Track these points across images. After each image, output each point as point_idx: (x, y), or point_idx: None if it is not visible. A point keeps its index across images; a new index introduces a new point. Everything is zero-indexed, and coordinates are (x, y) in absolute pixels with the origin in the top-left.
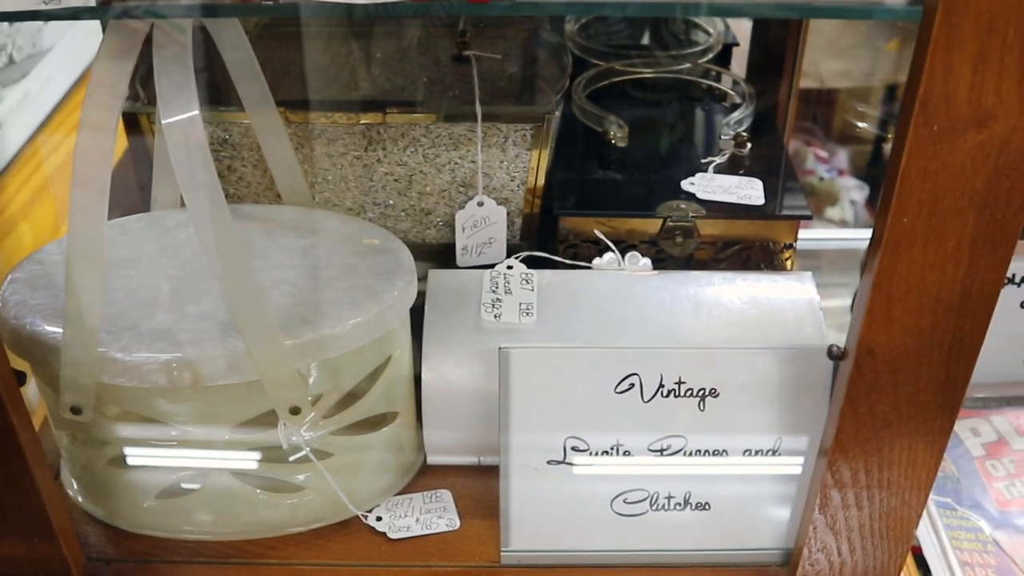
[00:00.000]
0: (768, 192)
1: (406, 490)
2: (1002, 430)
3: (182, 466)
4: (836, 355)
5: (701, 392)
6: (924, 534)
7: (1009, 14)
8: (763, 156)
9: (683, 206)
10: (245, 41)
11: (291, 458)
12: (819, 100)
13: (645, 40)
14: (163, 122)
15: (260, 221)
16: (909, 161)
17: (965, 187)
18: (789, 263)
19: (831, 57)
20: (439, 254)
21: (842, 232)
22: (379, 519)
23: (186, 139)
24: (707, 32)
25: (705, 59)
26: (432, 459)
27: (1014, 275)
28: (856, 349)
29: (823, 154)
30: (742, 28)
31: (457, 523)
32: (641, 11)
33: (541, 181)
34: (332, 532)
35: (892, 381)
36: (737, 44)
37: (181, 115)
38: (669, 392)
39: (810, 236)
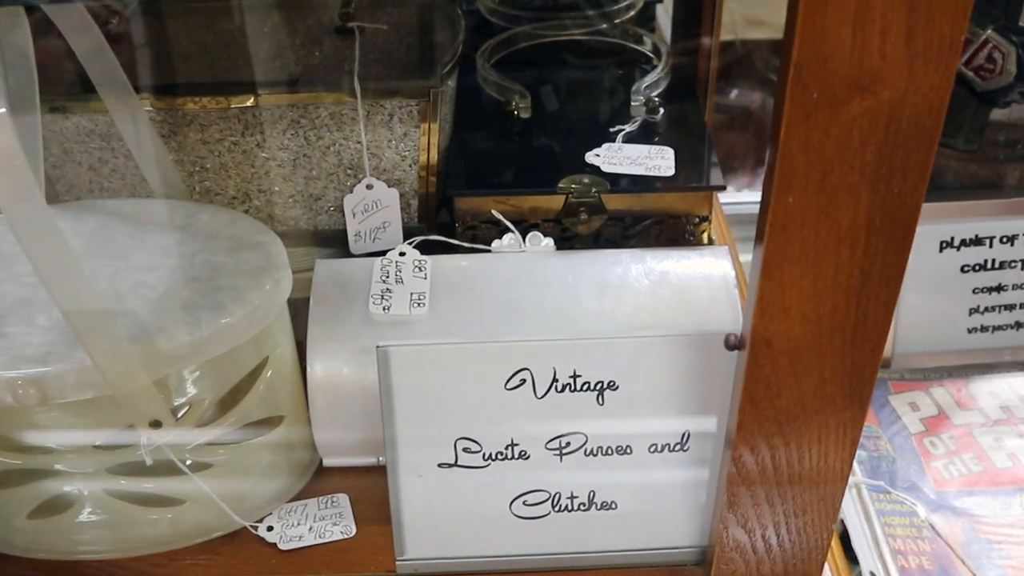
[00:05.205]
0: (681, 162)
1: (302, 495)
2: (942, 403)
3: (52, 483)
4: (733, 345)
5: (599, 385)
6: (854, 520)
7: None
8: (679, 123)
9: (586, 180)
10: (92, 24)
11: (167, 470)
12: None
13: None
14: None
15: (124, 217)
16: (789, 133)
17: (854, 160)
18: (705, 236)
19: None
20: (335, 241)
21: None
22: (270, 529)
23: None
24: None
25: (625, 18)
26: (328, 461)
27: (952, 238)
28: (751, 340)
29: None
30: None
31: (353, 530)
32: None
33: (435, 159)
34: (221, 545)
35: (793, 373)
36: (660, 1)
37: None
38: (564, 387)
39: None
